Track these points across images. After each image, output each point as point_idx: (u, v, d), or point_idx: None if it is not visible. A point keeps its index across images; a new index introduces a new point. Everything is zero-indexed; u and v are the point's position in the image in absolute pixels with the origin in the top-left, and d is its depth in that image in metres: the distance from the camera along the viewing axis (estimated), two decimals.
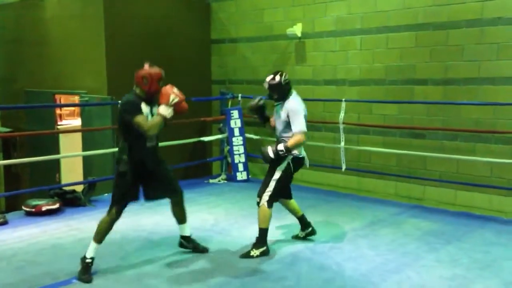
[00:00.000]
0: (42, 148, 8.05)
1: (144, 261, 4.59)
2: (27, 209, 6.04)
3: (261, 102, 4.91)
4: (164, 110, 4.15)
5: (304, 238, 5.19)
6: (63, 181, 8.32)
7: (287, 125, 4.69)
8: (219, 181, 8.12)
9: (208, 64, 9.21)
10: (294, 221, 5.21)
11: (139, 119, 4.12)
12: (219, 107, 8.85)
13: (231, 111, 8.01)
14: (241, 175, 8.03)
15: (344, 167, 7.20)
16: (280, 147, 4.60)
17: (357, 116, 7.26)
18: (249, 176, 8.07)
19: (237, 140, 8.02)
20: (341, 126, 7.07)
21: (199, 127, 8.80)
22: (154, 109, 4.28)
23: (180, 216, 4.71)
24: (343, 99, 7.13)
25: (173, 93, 4.19)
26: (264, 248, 4.74)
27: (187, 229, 4.79)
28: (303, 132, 4.61)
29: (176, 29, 8.63)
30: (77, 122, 8.72)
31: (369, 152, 7.22)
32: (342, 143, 7.12)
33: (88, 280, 4.15)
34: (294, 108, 4.66)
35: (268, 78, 4.76)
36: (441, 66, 6.57)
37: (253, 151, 8.05)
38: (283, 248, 4.93)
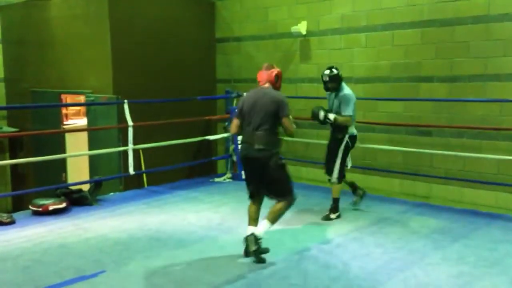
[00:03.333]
0: (48, 147, 8.08)
1: (150, 260, 4.59)
2: (34, 209, 6.06)
3: (322, 113, 5.63)
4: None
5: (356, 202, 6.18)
6: (70, 181, 8.35)
7: (339, 111, 5.64)
8: (224, 179, 8.13)
9: (213, 63, 9.22)
10: (297, 221, 5.19)
11: (290, 119, 4.64)
12: (224, 105, 8.85)
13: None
14: None
15: (349, 165, 7.17)
16: (331, 116, 5.61)
17: (362, 114, 7.21)
18: None
19: None
20: None
21: (204, 126, 8.81)
22: None
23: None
24: None
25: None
26: (338, 213, 5.85)
27: None
28: (349, 116, 5.60)
29: (180, 28, 8.64)
30: (83, 121, 8.74)
31: (374, 150, 7.20)
32: None
33: (264, 260, 4.49)
34: (346, 97, 5.64)
35: (327, 71, 5.67)
36: (447, 63, 6.54)
37: None
38: (289, 246, 4.93)
